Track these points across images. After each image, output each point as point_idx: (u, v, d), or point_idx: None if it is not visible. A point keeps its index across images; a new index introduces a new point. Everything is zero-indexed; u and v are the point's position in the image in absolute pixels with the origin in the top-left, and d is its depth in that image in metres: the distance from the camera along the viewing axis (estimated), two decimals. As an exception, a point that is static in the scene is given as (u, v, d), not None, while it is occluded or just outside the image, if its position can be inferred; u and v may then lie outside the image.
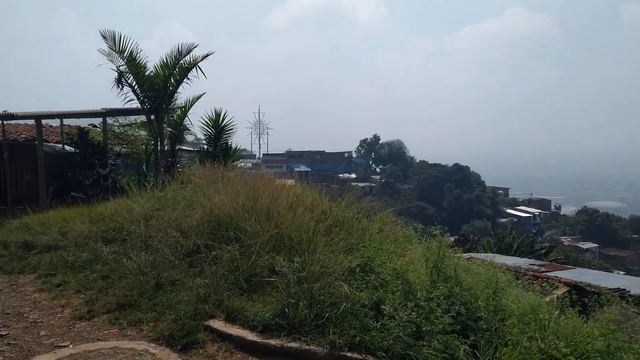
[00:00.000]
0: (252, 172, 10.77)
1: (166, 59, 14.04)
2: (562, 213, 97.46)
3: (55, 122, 19.63)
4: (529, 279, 7.70)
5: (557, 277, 9.41)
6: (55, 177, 15.75)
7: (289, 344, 4.44)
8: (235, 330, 4.73)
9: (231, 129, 14.61)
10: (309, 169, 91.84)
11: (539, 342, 4.46)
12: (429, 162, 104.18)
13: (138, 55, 13.87)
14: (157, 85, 14.11)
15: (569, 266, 13.78)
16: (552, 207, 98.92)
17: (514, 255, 17.83)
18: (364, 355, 4.28)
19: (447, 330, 4.38)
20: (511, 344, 4.43)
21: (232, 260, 5.81)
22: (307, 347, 4.39)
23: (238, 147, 15.40)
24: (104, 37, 13.67)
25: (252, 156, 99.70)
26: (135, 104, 14.59)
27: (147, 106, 14.43)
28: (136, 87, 14.19)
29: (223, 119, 14.40)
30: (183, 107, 15.20)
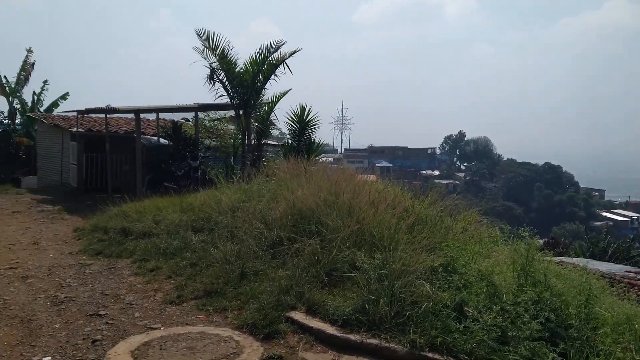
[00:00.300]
0: (333, 167, 10.85)
1: (255, 56, 14.44)
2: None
3: (152, 116, 20.80)
4: (625, 286, 7.19)
5: (657, 286, 8.68)
6: (151, 168, 16.68)
7: (368, 340, 4.44)
8: (315, 323, 4.80)
9: (315, 124, 14.79)
10: (391, 165, 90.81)
11: (634, 353, 4.17)
12: (517, 161, 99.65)
13: (229, 52, 14.36)
14: (246, 82, 14.57)
15: (672, 275, 12.64)
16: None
17: (608, 261, 16.66)
18: (445, 357, 4.20)
19: (535, 337, 4.19)
20: (603, 355, 4.18)
21: (314, 254, 5.90)
22: (387, 344, 4.36)
23: (321, 142, 15.57)
24: (199, 36, 14.27)
25: (334, 151, 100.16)
26: (225, 100, 15.15)
27: (236, 101, 14.94)
28: (226, 83, 14.72)
29: (307, 115, 14.60)
30: (270, 102, 15.60)
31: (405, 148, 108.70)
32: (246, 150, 15.08)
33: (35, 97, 26.67)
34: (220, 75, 14.69)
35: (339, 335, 4.56)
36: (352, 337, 4.51)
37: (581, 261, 8.39)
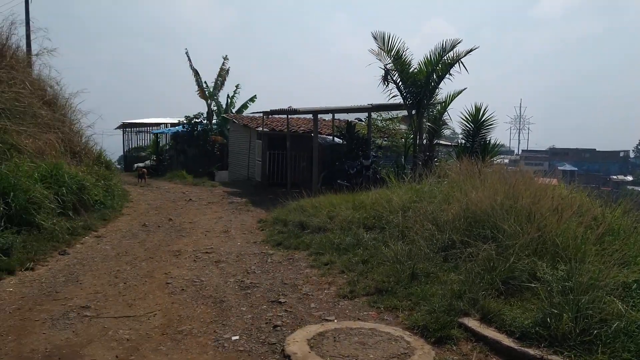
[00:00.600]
0: (510, 169, 10.26)
1: (429, 55, 14.30)
2: None
3: (327, 116, 21.86)
4: None
5: None
6: (325, 165, 17.53)
7: (549, 357, 4.12)
8: (490, 333, 4.60)
9: (491, 124, 14.12)
10: (576, 169, 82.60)
11: None
12: None
13: (404, 53, 14.44)
14: (420, 82, 14.50)
15: None
16: None
17: None
18: (640, 384, 3.73)
19: None
20: None
21: (489, 260, 5.66)
22: (570, 363, 4.01)
23: (497, 143, 14.81)
24: (375, 38, 14.60)
25: (510, 152, 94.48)
26: (398, 100, 15.26)
27: (409, 101, 14.96)
28: (400, 83, 14.81)
29: (483, 114, 14.01)
30: (443, 102, 15.32)
31: (593, 150, 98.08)
32: (417, 150, 15.01)
33: (229, 100, 29.86)
34: (394, 76, 14.83)
35: (516, 347, 4.31)
36: (531, 351, 4.23)
37: None
